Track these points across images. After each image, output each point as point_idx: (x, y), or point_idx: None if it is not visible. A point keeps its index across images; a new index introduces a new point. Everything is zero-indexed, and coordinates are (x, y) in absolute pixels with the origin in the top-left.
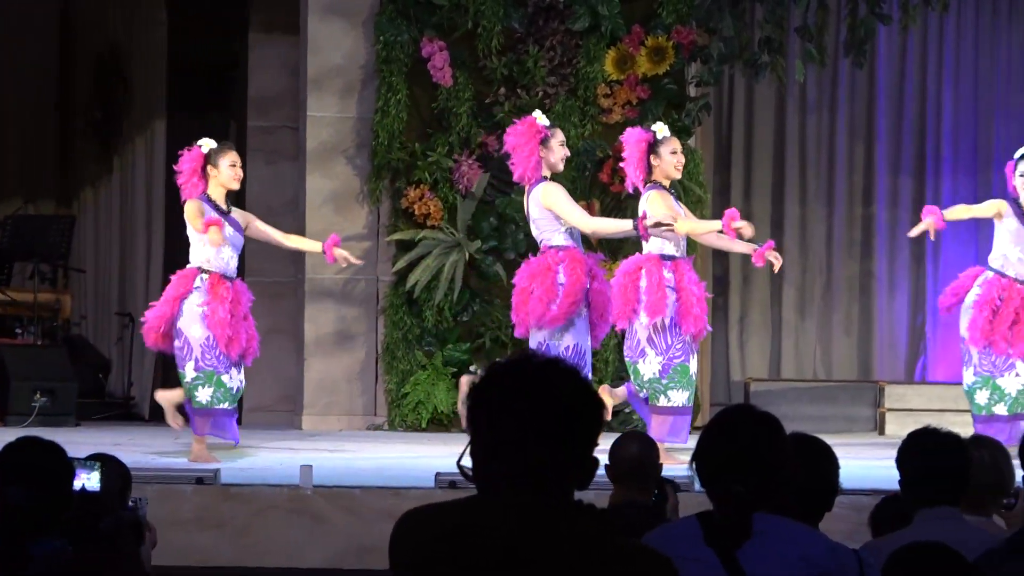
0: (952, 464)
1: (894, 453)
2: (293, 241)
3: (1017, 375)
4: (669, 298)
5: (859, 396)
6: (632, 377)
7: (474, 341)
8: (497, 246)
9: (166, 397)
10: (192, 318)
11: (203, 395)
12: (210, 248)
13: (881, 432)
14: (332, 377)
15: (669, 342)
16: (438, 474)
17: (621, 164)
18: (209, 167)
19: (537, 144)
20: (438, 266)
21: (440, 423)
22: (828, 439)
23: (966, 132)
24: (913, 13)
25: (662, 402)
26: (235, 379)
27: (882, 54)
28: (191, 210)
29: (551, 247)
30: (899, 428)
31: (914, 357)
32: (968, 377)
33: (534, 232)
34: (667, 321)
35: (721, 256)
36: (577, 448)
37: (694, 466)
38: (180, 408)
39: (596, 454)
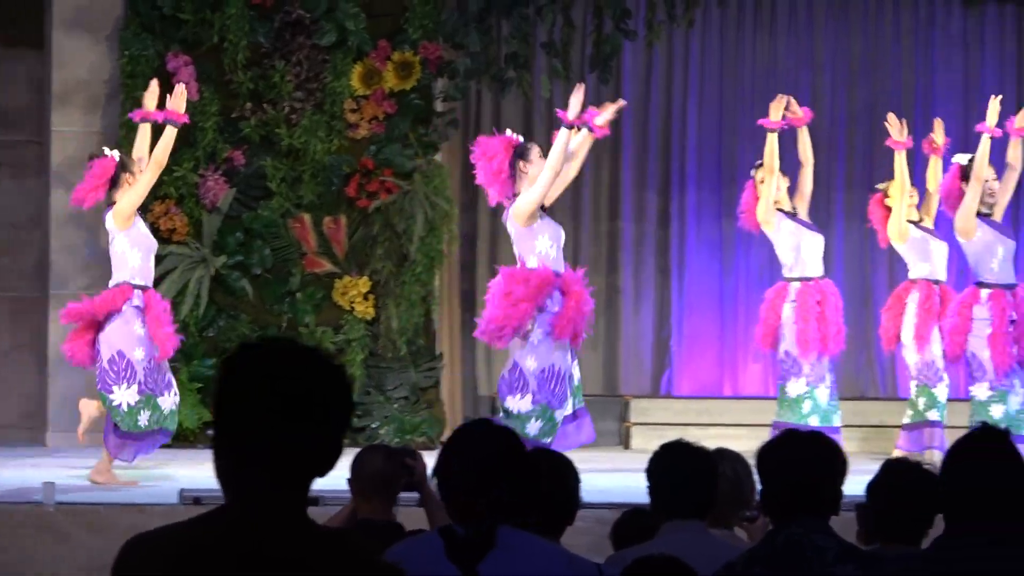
0: (701, 478)
1: (639, 467)
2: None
3: (827, 387)
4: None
5: (605, 410)
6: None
7: (220, 356)
8: (243, 261)
9: (91, 408)
10: (132, 339)
11: (143, 419)
12: (137, 257)
13: (626, 446)
14: (77, 393)
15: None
16: (182, 491)
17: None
18: (125, 175)
19: (508, 159)
20: (184, 281)
21: (186, 439)
22: (573, 453)
23: (710, 148)
24: (658, 30)
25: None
26: (168, 400)
27: (627, 70)
28: (128, 210)
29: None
30: (644, 442)
31: (659, 371)
32: (799, 388)
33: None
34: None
35: (468, 272)
36: (327, 432)
37: (435, 480)
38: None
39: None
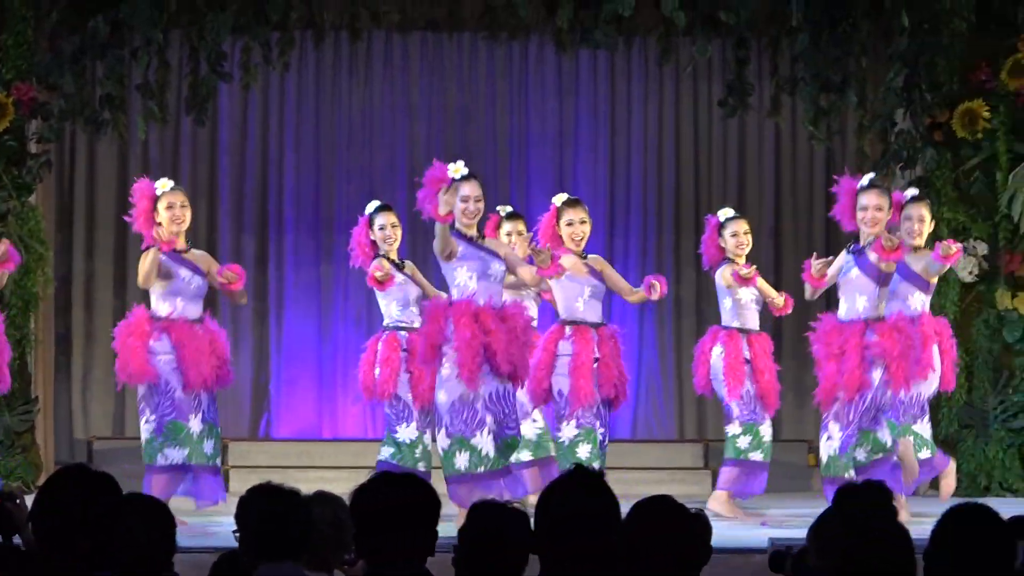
0: (290, 519)
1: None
2: None
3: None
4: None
5: None
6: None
7: None
8: None
9: None
10: None
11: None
12: None
13: (226, 489)
14: None
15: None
16: None
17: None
18: None
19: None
20: None
21: None
22: (177, 501)
23: (307, 192)
24: (254, 72)
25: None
26: None
27: (224, 112)
28: None
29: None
30: (243, 485)
31: (258, 414)
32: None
33: None
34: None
35: (63, 314)
36: None
37: (31, 526)
38: None
39: None
